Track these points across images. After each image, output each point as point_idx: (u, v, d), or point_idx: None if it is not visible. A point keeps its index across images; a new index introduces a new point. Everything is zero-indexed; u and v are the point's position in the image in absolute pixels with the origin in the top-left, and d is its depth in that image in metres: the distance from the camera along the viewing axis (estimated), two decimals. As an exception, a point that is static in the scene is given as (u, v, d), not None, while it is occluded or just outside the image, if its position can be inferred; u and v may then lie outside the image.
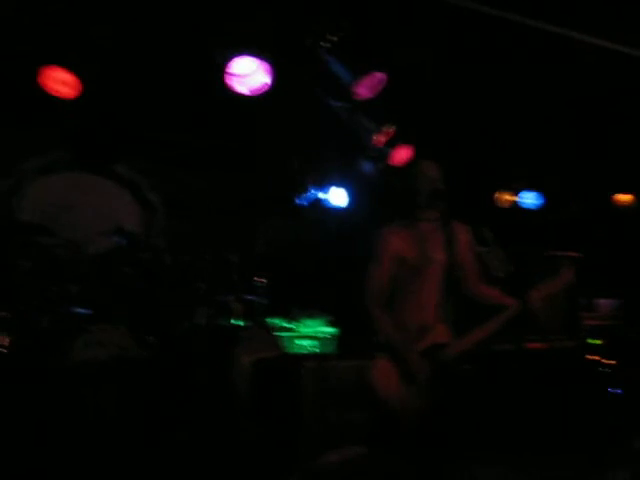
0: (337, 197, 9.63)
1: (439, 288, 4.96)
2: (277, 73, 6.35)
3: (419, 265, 4.88)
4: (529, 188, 10.72)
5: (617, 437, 7.14)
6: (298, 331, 9.01)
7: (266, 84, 6.32)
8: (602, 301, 9.79)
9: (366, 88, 6.70)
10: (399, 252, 4.87)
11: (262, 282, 8.32)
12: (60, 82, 6.52)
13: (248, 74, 6.27)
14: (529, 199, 10.74)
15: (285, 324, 9.01)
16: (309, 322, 9.11)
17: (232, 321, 8.23)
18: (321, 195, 9.61)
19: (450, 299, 5.03)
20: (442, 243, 4.95)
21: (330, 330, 9.12)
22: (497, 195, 10.68)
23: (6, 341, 6.82)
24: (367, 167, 8.84)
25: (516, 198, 10.67)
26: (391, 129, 7.88)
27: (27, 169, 8.58)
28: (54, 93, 6.51)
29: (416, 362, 4.64)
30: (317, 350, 8.88)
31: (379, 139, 7.91)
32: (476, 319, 4.92)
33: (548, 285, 5.01)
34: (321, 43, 6.35)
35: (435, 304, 4.93)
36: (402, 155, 8.39)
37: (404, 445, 4.59)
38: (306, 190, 9.60)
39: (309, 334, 8.99)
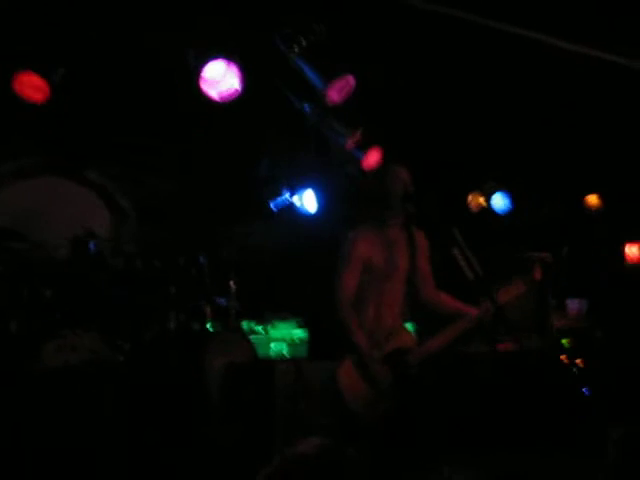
0: (309, 201, 9.65)
1: (402, 293, 5.02)
2: (248, 77, 6.36)
3: (385, 270, 4.94)
4: (500, 191, 10.77)
5: (590, 433, 7.21)
6: (270, 334, 9.03)
7: (236, 89, 6.33)
8: (571, 301, 9.86)
9: (337, 92, 6.72)
10: (367, 256, 4.92)
11: (234, 286, 8.32)
12: (31, 87, 6.50)
13: (219, 79, 6.27)
14: (500, 202, 10.79)
15: (257, 327, 9.02)
16: (281, 325, 9.14)
17: (204, 325, 8.23)
18: (293, 199, 9.64)
19: (408, 303, 5.10)
20: (406, 249, 5.01)
21: (302, 333, 9.15)
22: (468, 198, 10.72)
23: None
24: (338, 171, 8.88)
25: (487, 201, 10.72)
26: (359, 132, 7.91)
27: (-2, 174, 8.55)
28: (25, 98, 6.49)
29: (378, 369, 4.68)
30: (289, 353, 8.91)
31: (349, 142, 7.93)
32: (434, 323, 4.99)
33: (516, 286, 5.07)
34: (292, 47, 6.36)
35: (399, 309, 4.98)
36: (373, 158, 8.42)
37: (368, 446, 4.63)
38: (278, 194, 9.62)
39: (281, 337, 9.02)
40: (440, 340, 4.98)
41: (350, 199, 8.68)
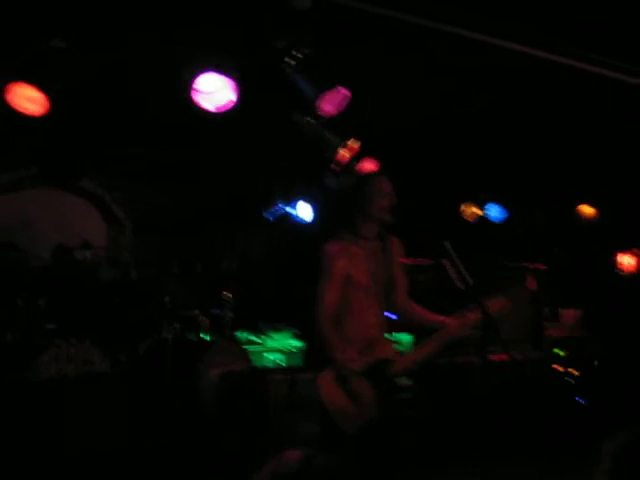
0: (303, 212, 9.70)
1: (381, 304, 5.00)
2: (243, 89, 6.40)
3: (364, 283, 4.91)
4: (494, 201, 10.80)
5: (583, 443, 7.22)
6: (265, 344, 9.06)
7: (232, 101, 6.37)
8: (565, 311, 9.89)
9: (330, 104, 6.77)
10: (347, 271, 4.89)
11: (229, 296, 8.35)
12: (27, 99, 6.53)
13: (214, 91, 6.31)
14: (494, 212, 10.83)
15: (252, 338, 9.05)
16: (276, 336, 9.16)
17: (199, 335, 8.27)
18: (288, 209, 9.69)
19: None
20: (382, 260, 5.00)
21: (296, 343, 9.17)
22: (463, 208, 10.76)
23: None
24: (333, 182, 8.90)
25: (481, 211, 10.75)
26: (356, 144, 7.94)
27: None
28: (21, 110, 6.52)
29: (358, 382, 4.68)
30: (284, 363, 8.93)
31: (344, 154, 7.98)
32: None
33: (504, 299, 5.04)
34: (286, 60, 6.41)
35: (379, 320, 4.97)
36: (367, 169, 8.45)
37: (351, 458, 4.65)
38: (273, 204, 9.67)
39: (276, 347, 9.04)
40: (421, 352, 4.94)
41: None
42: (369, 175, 5.47)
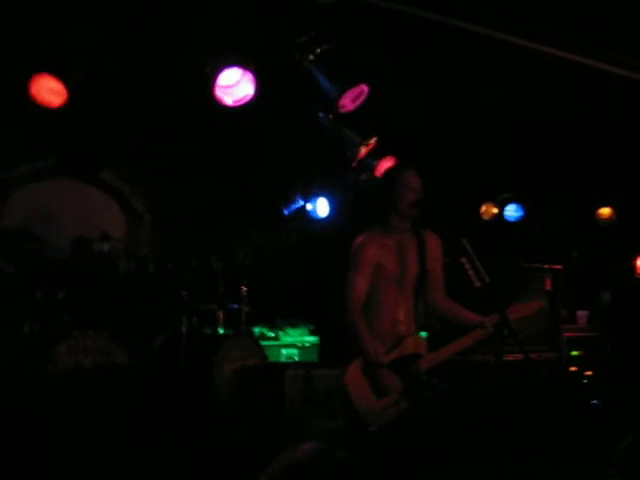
0: (322, 208, 9.71)
1: (412, 298, 4.98)
2: (262, 84, 6.40)
3: (395, 275, 4.90)
4: (513, 201, 10.77)
5: (598, 446, 7.20)
6: (281, 339, 9.07)
7: (250, 95, 6.37)
8: (582, 312, 9.85)
9: (350, 100, 6.77)
10: (377, 261, 4.88)
11: (245, 291, 8.35)
12: (48, 90, 6.54)
13: (233, 85, 6.31)
14: (512, 212, 10.80)
15: (268, 333, 9.06)
16: (292, 331, 9.17)
17: (216, 329, 8.28)
18: (306, 205, 9.69)
19: (419, 307, 5.04)
20: (416, 253, 4.98)
21: (312, 339, 9.18)
22: (482, 208, 10.73)
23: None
24: (351, 178, 8.90)
25: (500, 210, 10.72)
26: (372, 140, 7.94)
27: (15, 177, 8.62)
28: (42, 102, 6.53)
29: (385, 375, 4.67)
30: (299, 358, 8.94)
31: (362, 151, 7.97)
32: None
33: (529, 306, 5.01)
34: (306, 55, 6.40)
35: (408, 314, 4.95)
36: (386, 166, 8.44)
37: (374, 452, 4.63)
38: (291, 200, 9.67)
39: (291, 342, 9.05)
40: (452, 349, 4.93)
41: (362, 206, 8.70)
42: (398, 169, 5.47)
